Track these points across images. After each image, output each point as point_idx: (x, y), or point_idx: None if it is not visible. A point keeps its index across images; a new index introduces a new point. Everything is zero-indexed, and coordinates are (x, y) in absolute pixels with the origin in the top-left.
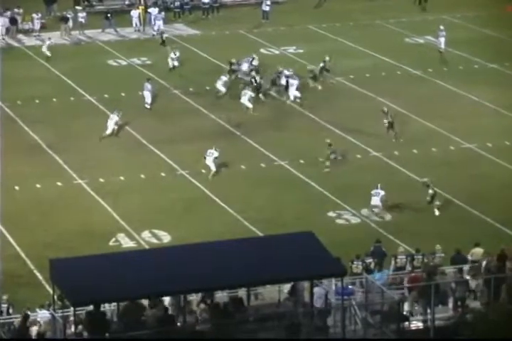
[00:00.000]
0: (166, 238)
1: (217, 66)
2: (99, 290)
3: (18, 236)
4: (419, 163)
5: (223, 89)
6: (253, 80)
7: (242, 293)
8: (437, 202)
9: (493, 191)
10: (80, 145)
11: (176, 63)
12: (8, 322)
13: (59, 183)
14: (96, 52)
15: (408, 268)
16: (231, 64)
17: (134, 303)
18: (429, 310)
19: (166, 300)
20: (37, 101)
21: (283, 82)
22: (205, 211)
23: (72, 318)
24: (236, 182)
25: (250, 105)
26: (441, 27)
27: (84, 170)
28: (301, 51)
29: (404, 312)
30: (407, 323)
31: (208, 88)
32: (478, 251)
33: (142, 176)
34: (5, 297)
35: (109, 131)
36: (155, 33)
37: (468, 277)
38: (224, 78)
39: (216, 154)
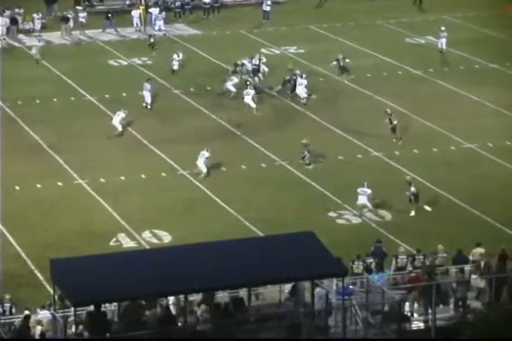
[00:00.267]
0: (166, 238)
1: (218, 66)
2: (100, 290)
3: (18, 236)
4: (419, 163)
5: (234, 90)
6: (250, 79)
7: (242, 293)
8: (425, 206)
9: (493, 191)
10: (80, 146)
11: (178, 65)
12: (9, 322)
13: (59, 183)
14: (97, 52)
15: (409, 268)
16: (236, 65)
17: (135, 303)
18: (430, 310)
19: (170, 299)
20: (37, 101)
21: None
22: (206, 211)
23: (72, 318)
24: (237, 182)
25: (254, 104)
26: (443, 28)
27: (85, 170)
28: (302, 51)
29: (406, 312)
30: (407, 323)
31: (208, 88)
32: (479, 251)
33: (143, 176)
34: (8, 296)
35: (119, 129)
36: (156, 33)
37: (475, 276)
38: (235, 79)
39: (207, 154)
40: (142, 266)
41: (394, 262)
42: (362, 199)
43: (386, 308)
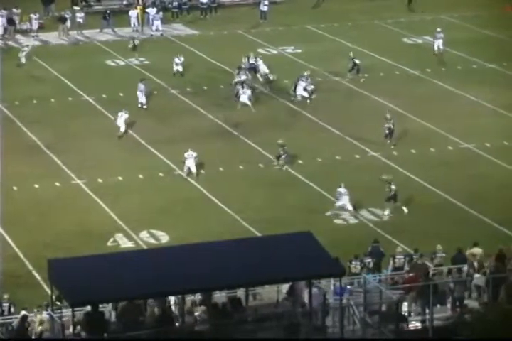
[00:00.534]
0: (164, 238)
1: (216, 66)
2: (97, 290)
3: (16, 236)
4: (417, 163)
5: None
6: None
7: (240, 293)
8: (403, 207)
9: (491, 191)
10: (78, 146)
11: (180, 68)
12: (7, 322)
13: (57, 183)
14: (94, 52)
15: (406, 268)
16: (240, 68)
17: (132, 303)
18: (427, 310)
19: (171, 299)
20: (35, 101)
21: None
22: (203, 211)
23: (69, 318)
24: (234, 182)
25: (250, 103)
26: (439, 29)
27: (83, 171)
28: (299, 51)
29: (404, 313)
30: (405, 323)
31: (205, 88)
32: (477, 251)
33: (140, 176)
34: (6, 296)
35: (123, 129)
36: (153, 32)
37: (478, 275)
38: (248, 92)
39: (195, 154)
40: (140, 266)
41: (391, 262)
42: (344, 200)
43: (384, 308)
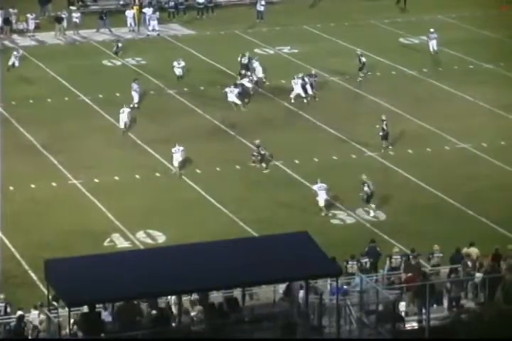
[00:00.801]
0: (160, 238)
1: (213, 66)
2: (94, 290)
3: (12, 236)
4: (414, 163)
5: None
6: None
7: (237, 293)
8: (372, 205)
9: (488, 191)
10: (74, 146)
11: (180, 72)
12: (3, 323)
13: (54, 184)
14: (90, 52)
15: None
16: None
17: (129, 303)
18: (424, 310)
19: (172, 299)
20: (31, 101)
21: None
22: (200, 211)
23: (63, 319)
24: (231, 182)
25: (239, 101)
26: (432, 30)
27: (79, 171)
28: (296, 51)
29: (401, 312)
30: (402, 323)
31: (202, 88)
32: (473, 250)
33: (137, 176)
34: (2, 296)
35: (127, 124)
36: (149, 33)
37: (479, 274)
38: (236, 90)
39: (182, 148)
40: (136, 266)
41: (388, 262)
42: (322, 195)
43: (380, 308)
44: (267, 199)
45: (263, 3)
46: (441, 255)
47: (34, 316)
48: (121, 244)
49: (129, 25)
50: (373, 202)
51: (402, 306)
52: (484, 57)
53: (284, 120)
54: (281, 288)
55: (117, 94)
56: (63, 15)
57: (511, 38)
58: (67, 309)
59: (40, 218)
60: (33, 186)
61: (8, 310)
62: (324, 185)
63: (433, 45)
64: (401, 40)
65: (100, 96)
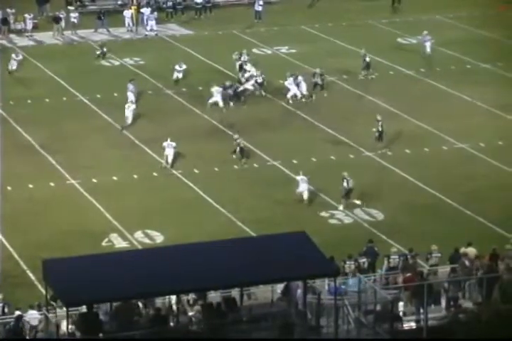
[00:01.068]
0: (158, 238)
1: (211, 66)
2: (92, 290)
3: (10, 236)
4: (411, 163)
5: (251, 88)
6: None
7: (235, 293)
8: (356, 201)
9: (486, 191)
10: (72, 146)
11: (180, 75)
12: (1, 323)
13: (52, 183)
14: (88, 52)
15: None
16: (245, 71)
17: (127, 303)
18: (422, 310)
19: (172, 298)
20: (29, 101)
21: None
22: (198, 211)
23: (60, 318)
24: (229, 182)
25: (221, 103)
26: (425, 32)
27: (77, 171)
28: (294, 51)
29: (399, 312)
30: (400, 323)
31: (200, 88)
32: (470, 250)
33: (135, 176)
34: (0, 296)
35: (129, 121)
36: (147, 32)
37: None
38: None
39: (174, 144)
40: (134, 266)
41: (386, 262)
42: (303, 187)
43: (378, 308)
44: (265, 199)
45: (261, 3)
46: (439, 255)
47: (31, 316)
48: (120, 244)
49: (127, 25)
50: (353, 199)
51: (401, 306)
52: (482, 57)
53: (282, 120)
54: (279, 287)
55: (115, 94)
56: (61, 15)
57: (509, 37)
58: (65, 309)
59: (38, 218)
60: (31, 186)
61: (6, 310)
62: (305, 178)
63: (427, 47)
64: (399, 40)
65: (98, 96)
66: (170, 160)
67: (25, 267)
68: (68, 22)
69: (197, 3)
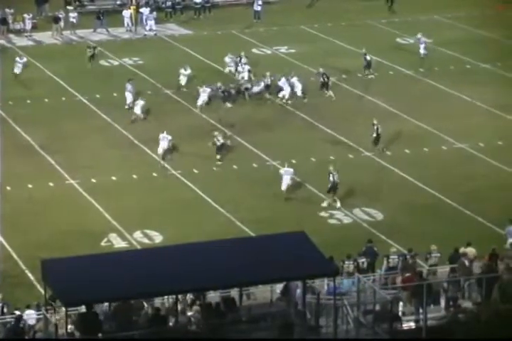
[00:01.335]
0: (157, 238)
1: (210, 66)
2: (91, 290)
3: (10, 236)
4: (411, 163)
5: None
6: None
7: (234, 293)
8: (337, 203)
9: (485, 191)
10: (71, 146)
11: (185, 80)
12: (0, 323)
13: (51, 183)
14: (88, 52)
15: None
16: (249, 71)
17: (126, 303)
18: (421, 310)
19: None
20: (28, 101)
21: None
22: (197, 211)
23: (59, 318)
24: (228, 182)
25: (201, 103)
26: (419, 35)
27: (76, 171)
28: (293, 51)
29: (399, 312)
30: (399, 323)
31: (199, 88)
32: (469, 250)
33: (134, 176)
34: None
35: (141, 116)
36: (147, 32)
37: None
38: (208, 90)
39: (170, 137)
40: (133, 266)
41: (385, 262)
42: (286, 180)
43: (378, 308)
44: (264, 199)
45: (260, 3)
46: (438, 255)
47: (28, 316)
48: (119, 244)
49: (126, 25)
50: (337, 196)
51: (400, 306)
52: (481, 57)
53: (281, 120)
54: (279, 287)
55: (114, 94)
56: (60, 15)
57: (508, 37)
58: (64, 309)
59: (37, 218)
60: (30, 186)
61: (5, 310)
62: (290, 170)
63: (421, 49)
64: (398, 40)
65: (97, 96)
66: (161, 151)
67: (24, 267)
68: (67, 22)
69: (196, 3)
